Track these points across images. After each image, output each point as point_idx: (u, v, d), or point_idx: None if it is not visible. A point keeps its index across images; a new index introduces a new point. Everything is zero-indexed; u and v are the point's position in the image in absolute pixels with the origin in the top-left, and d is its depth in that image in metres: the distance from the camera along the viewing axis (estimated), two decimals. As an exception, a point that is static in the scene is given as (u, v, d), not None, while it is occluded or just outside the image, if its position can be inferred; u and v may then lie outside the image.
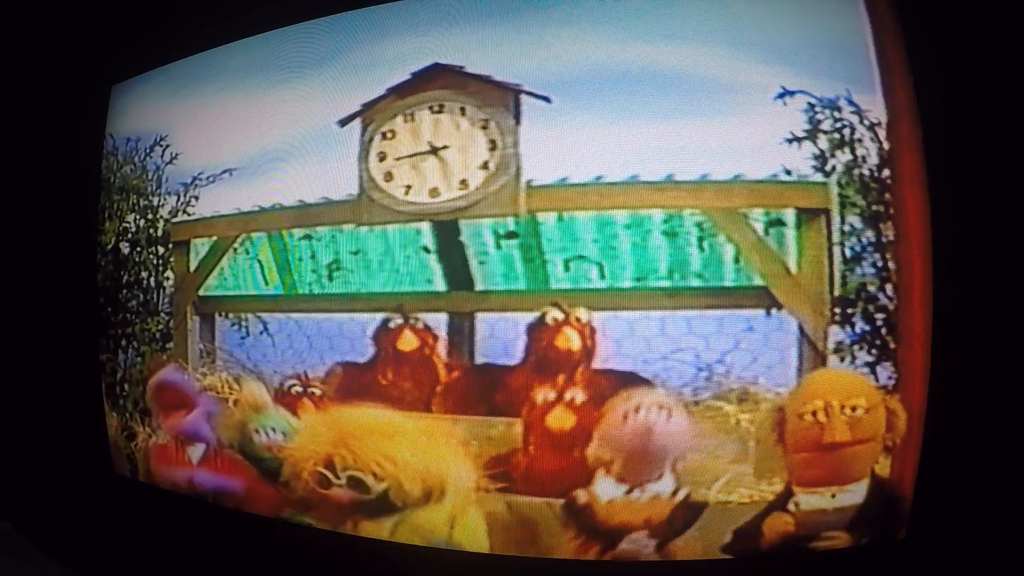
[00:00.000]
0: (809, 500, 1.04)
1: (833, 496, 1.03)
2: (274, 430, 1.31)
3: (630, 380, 1.08)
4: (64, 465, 1.66)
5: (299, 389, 1.29)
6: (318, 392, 1.27)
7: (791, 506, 1.04)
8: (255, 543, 1.34)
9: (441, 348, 1.19)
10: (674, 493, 1.07)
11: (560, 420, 1.11)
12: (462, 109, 1.16)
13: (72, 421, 1.65)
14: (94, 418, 1.57)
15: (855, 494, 1.03)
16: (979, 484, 0.98)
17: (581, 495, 1.10)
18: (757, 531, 1.05)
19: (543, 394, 1.11)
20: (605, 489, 1.09)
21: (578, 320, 1.10)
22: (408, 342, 1.20)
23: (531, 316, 1.13)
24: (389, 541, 1.21)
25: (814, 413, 1.02)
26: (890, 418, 1.02)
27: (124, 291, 1.51)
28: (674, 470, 1.07)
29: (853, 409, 1.02)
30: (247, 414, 1.34)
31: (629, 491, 1.09)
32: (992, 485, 0.98)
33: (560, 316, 1.11)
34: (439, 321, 1.20)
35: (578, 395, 1.10)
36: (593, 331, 1.10)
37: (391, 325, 1.21)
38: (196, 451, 1.42)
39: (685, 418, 1.06)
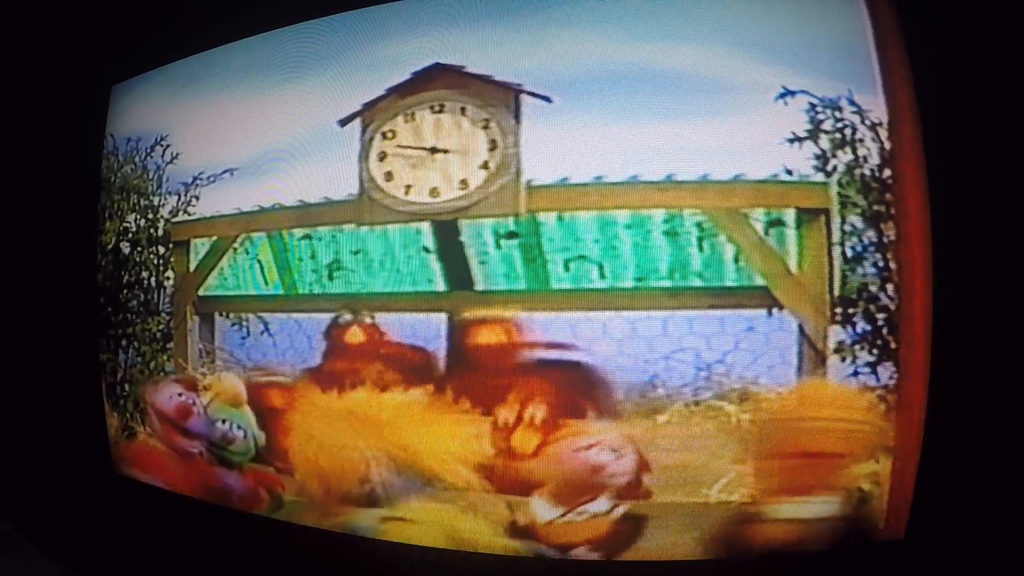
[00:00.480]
0: (784, 509, 1.05)
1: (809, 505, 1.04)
2: (238, 427, 1.35)
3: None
4: (64, 465, 1.66)
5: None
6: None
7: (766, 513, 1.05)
8: (255, 543, 1.34)
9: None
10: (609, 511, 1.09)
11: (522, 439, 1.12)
12: (463, 109, 1.16)
13: (72, 421, 1.65)
14: (94, 418, 1.57)
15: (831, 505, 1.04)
16: (979, 484, 0.98)
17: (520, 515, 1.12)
18: (757, 532, 1.05)
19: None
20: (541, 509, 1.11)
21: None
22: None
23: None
24: (389, 541, 1.21)
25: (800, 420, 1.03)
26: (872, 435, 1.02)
27: (124, 291, 1.51)
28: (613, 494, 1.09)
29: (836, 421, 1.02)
30: (219, 406, 1.37)
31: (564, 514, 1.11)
32: (992, 485, 0.98)
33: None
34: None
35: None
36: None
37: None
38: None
39: (634, 460, 1.07)
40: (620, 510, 1.08)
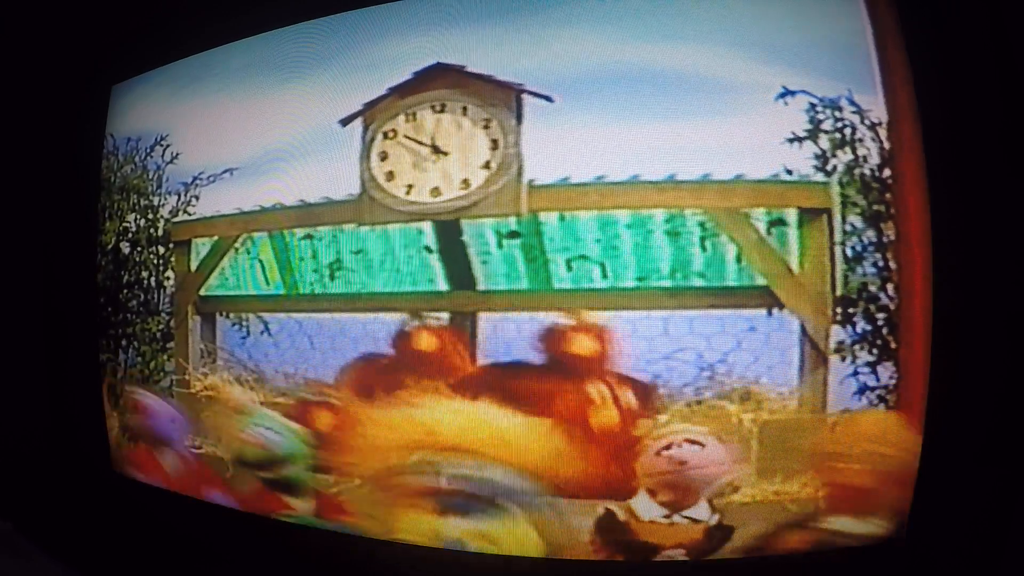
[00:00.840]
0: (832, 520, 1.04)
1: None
2: (265, 428, 1.31)
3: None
4: (64, 465, 1.66)
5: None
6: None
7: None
8: (255, 543, 1.34)
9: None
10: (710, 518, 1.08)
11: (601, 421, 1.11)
12: (464, 108, 1.16)
13: (72, 421, 1.65)
14: (94, 418, 1.57)
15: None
16: (979, 484, 0.98)
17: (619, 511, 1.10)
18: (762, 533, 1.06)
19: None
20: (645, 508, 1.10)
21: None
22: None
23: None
24: (389, 541, 1.21)
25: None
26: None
27: (124, 291, 1.51)
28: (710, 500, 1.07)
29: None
30: (232, 418, 1.34)
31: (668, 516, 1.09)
32: (992, 485, 0.98)
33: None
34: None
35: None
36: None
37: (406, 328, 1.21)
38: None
39: (718, 446, 1.06)
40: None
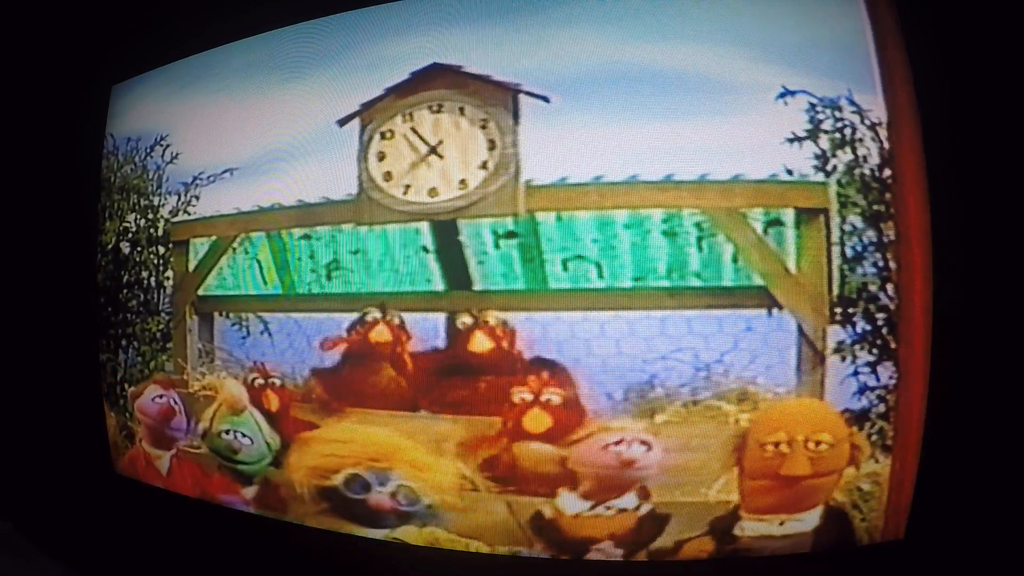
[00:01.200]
0: (756, 527, 1.05)
1: (781, 524, 1.05)
2: (243, 435, 1.33)
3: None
4: (64, 465, 1.66)
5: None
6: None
7: (736, 530, 1.06)
8: (255, 543, 1.34)
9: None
10: (637, 508, 1.08)
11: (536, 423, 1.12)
12: (461, 109, 1.16)
13: (72, 421, 1.65)
14: (94, 418, 1.57)
15: (805, 523, 1.04)
16: (979, 484, 0.98)
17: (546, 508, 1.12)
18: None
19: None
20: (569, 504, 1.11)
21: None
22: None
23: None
24: (389, 541, 1.21)
25: (776, 444, 1.03)
26: (853, 453, 1.02)
27: (124, 291, 1.51)
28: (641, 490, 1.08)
29: (817, 444, 1.02)
30: (223, 415, 1.36)
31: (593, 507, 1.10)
32: (992, 485, 0.98)
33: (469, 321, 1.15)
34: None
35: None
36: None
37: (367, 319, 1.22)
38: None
39: (662, 449, 1.07)
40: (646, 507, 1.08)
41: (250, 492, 1.35)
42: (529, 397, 1.12)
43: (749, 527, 1.05)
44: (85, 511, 1.58)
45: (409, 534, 1.20)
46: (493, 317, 1.14)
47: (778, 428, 1.03)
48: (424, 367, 1.19)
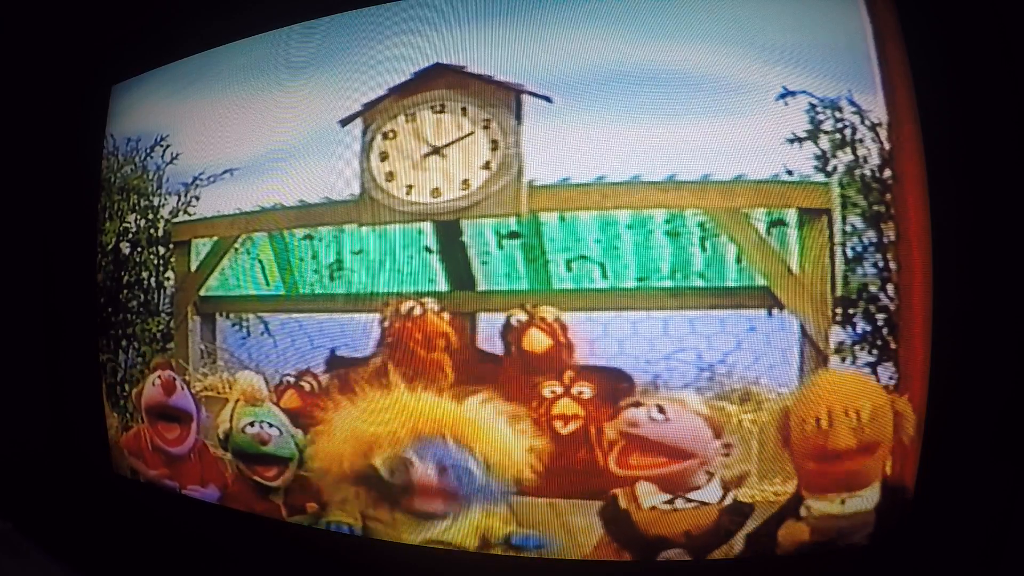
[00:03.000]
0: (819, 505, 1.04)
1: (843, 502, 1.03)
2: (270, 424, 1.31)
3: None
4: (64, 465, 1.66)
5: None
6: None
7: (803, 511, 1.05)
8: (255, 543, 1.34)
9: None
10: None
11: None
12: (463, 109, 1.16)
13: (72, 421, 1.65)
14: (94, 418, 1.57)
15: (866, 499, 1.03)
16: (979, 484, 0.98)
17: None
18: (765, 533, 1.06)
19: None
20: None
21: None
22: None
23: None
24: (389, 541, 1.21)
25: (817, 420, 1.02)
26: (898, 421, 1.02)
27: (125, 291, 1.51)
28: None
29: (858, 414, 1.02)
30: (242, 409, 1.34)
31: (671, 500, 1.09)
32: (992, 485, 0.98)
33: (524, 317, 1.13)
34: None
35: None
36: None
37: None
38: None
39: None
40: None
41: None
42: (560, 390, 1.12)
43: (815, 506, 1.04)
44: (85, 511, 1.58)
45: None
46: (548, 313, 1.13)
47: (817, 402, 1.03)
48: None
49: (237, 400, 1.35)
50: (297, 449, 1.29)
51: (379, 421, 1.20)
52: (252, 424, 1.33)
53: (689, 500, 1.07)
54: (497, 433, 1.14)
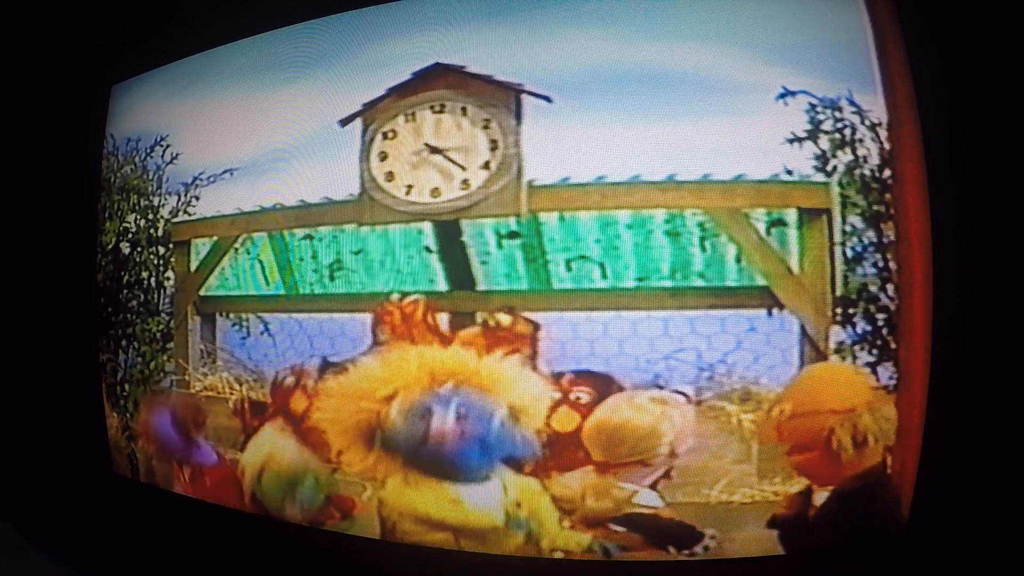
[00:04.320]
0: (821, 501, 1.04)
1: (842, 500, 1.03)
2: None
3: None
4: (64, 465, 1.66)
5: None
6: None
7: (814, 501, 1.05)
8: (256, 543, 1.34)
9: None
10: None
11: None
12: (463, 109, 1.16)
13: (72, 421, 1.65)
14: (94, 418, 1.57)
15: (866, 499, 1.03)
16: (979, 483, 0.98)
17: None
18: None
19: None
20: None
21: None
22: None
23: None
24: (389, 541, 1.21)
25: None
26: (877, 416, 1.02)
27: (125, 291, 1.51)
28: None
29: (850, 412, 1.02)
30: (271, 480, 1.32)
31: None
32: (992, 484, 0.98)
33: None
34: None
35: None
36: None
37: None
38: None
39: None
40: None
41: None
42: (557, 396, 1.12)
43: (819, 501, 1.04)
44: (85, 511, 1.58)
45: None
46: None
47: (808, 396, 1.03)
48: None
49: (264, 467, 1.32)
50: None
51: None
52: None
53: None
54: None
